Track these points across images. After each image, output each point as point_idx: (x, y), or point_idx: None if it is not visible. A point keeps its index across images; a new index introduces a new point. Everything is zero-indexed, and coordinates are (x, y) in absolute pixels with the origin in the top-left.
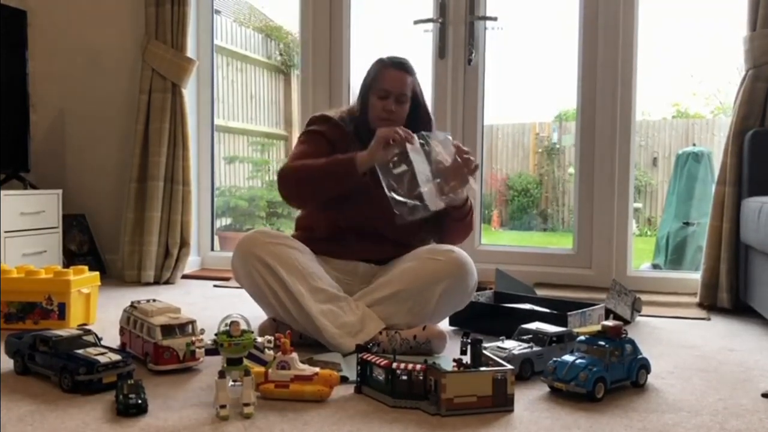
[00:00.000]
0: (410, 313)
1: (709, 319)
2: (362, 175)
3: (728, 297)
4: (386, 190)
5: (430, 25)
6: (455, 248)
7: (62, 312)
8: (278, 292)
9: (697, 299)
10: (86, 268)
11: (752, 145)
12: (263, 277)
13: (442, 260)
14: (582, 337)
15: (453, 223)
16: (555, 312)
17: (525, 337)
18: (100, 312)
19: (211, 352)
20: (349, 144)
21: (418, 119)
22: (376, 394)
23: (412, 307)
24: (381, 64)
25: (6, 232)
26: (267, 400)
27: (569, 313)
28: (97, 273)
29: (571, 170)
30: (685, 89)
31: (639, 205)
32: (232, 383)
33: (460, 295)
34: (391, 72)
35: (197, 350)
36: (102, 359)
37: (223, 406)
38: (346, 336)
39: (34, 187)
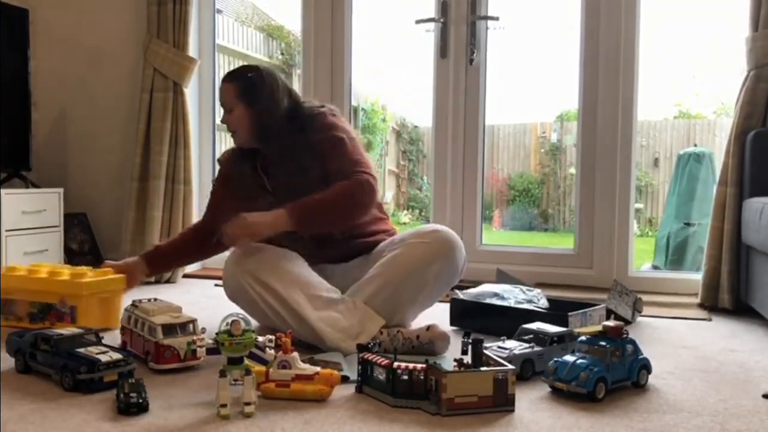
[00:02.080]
0: (406, 299)
1: (710, 320)
2: None
3: (729, 298)
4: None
5: (431, 25)
6: (440, 228)
7: (74, 315)
8: (274, 304)
9: (698, 300)
10: (111, 270)
11: (754, 145)
12: (256, 291)
13: (429, 242)
14: (583, 338)
15: (326, 225)
16: (556, 312)
17: (526, 337)
18: None
19: (212, 351)
20: (238, 173)
21: (257, 116)
22: (376, 394)
23: (408, 293)
24: None
25: (7, 230)
26: (268, 400)
27: (570, 313)
28: (123, 276)
29: (573, 170)
30: (687, 89)
31: (640, 205)
32: (233, 382)
33: (453, 273)
34: (220, 89)
35: (198, 349)
36: (103, 358)
37: (223, 405)
38: (347, 339)
39: (35, 186)
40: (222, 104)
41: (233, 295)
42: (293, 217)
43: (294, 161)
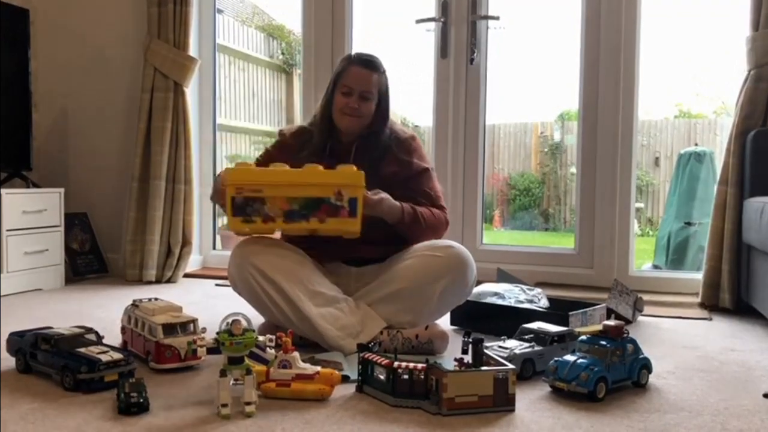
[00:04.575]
0: (411, 310)
1: (710, 320)
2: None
3: (730, 297)
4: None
5: (432, 25)
6: (454, 244)
7: (353, 209)
8: (276, 298)
9: (698, 299)
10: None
11: (754, 145)
12: (260, 284)
13: (441, 257)
14: (583, 337)
15: (411, 233)
16: (556, 311)
17: (526, 337)
18: (100, 311)
19: (212, 350)
20: (301, 149)
21: (378, 117)
22: (377, 394)
23: (413, 305)
24: (348, 60)
25: (8, 230)
26: (268, 399)
27: (571, 312)
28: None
29: (573, 170)
30: (687, 89)
31: (641, 205)
32: (234, 382)
33: (461, 291)
34: (356, 69)
35: (199, 349)
36: (104, 358)
37: (224, 405)
38: (347, 338)
39: (36, 186)
40: (359, 90)
41: (237, 287)
42: (404, 213)
43: (371, 161)
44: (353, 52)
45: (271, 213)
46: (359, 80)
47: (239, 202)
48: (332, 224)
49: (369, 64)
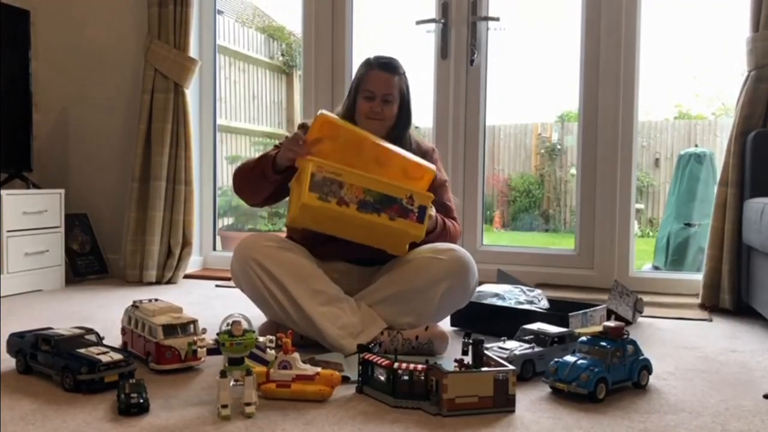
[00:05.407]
0: (412, 312)
1: (710, 320)
2: (275, 172)
3: (730, 298)
4: None
5: (432, 26)
6: (456, 247)
7: (421, 216)
8: (278, 295)
9: (698, 300)
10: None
11: (754, 145)
12: (262, 281)
13: (444, 259)
14: (583, 338)
15: (432, 242)
16: (556, 312)
17: (526, 338)
18: (101, 312)
19: (212, 351)
20: None
21: (401, 119)
22: (377, 394)
23: (414, 307)
24: (367, 65)
25: (8, 231)
26: (268, 400)
27: (571, 313)
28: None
29: (573, 171)
30: (687, 90)
31: (641, 206)
32: (234, 383)
33: (462, 294)
34: (376, 73)
35: (199, 350)
36: (104, 359)
37: (224, 406)
38: (347, 337)
39: (36, 187)
40: (381, 94)
41: (240, 283)
42: (437, 225)
43: None
44: (372, 56)
45: (346, 198)
46: (380, 84)
47: (318, 179)
48: (400, 224)
49: (388, 66)
